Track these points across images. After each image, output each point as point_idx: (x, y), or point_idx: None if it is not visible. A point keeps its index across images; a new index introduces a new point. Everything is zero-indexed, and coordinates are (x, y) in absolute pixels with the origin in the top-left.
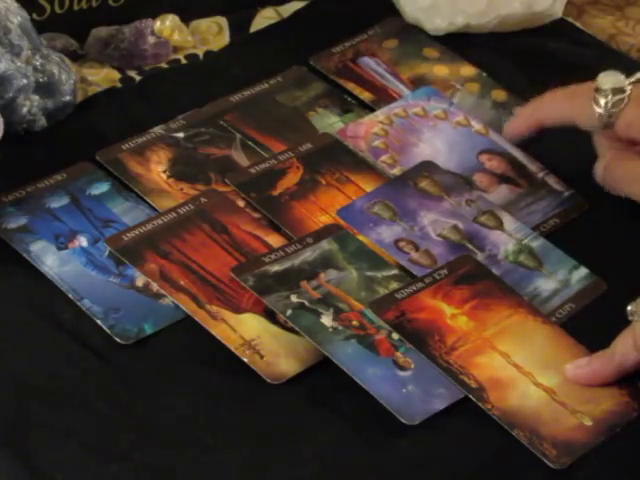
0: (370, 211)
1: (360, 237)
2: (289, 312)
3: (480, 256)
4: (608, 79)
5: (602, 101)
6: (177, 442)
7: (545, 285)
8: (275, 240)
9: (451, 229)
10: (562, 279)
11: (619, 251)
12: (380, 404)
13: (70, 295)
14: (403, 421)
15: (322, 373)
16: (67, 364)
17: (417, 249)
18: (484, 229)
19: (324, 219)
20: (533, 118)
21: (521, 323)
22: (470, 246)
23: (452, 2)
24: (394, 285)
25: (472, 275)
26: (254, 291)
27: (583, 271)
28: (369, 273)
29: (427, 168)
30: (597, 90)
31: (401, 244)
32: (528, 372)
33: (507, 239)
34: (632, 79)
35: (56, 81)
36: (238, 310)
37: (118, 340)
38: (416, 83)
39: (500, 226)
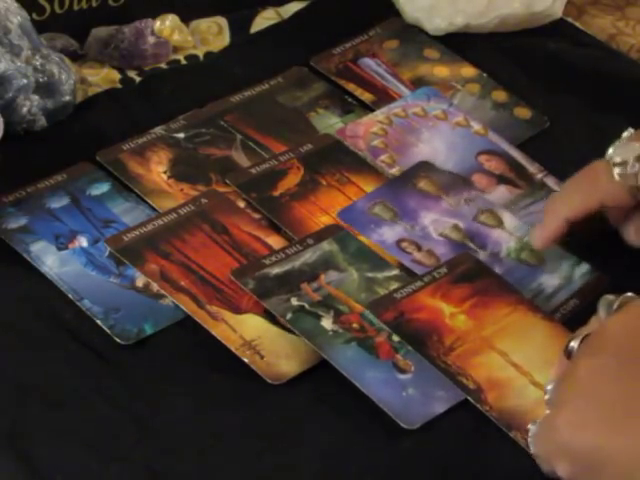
0: (371, 212)
1: (362, 238)
2: (289, 315)
3: (482, 254)
4: (623, 150)
5: (628, 170)
6: (177, 442)
7: (549, 281)
8: (275, 241)
9: (452, 228)
10: (565, 275)
11: (619, 248)
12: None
13: (70, 295)
14: (403, 425)
15: (322, 374)
16: (67, 364)
17: (420, 249)
18: (485, 228)
19: (324, 220)
20: (560, 219)
21: (520, 320)
22: (472, 245)
23: (452, 2)
24: (395, 286)
25: (471, 273)
26: (254, 294)
27: (585, 267)
28: (370, 274)
29: (424, 168)
30: (616, 164)
31: (403, 244)
32: (526, 371)
33: (508, 237)
34: None
35: (56, 81)
36: (238, 310)
37: (118, 340)
38: (416, 84)
39: (500, 225)
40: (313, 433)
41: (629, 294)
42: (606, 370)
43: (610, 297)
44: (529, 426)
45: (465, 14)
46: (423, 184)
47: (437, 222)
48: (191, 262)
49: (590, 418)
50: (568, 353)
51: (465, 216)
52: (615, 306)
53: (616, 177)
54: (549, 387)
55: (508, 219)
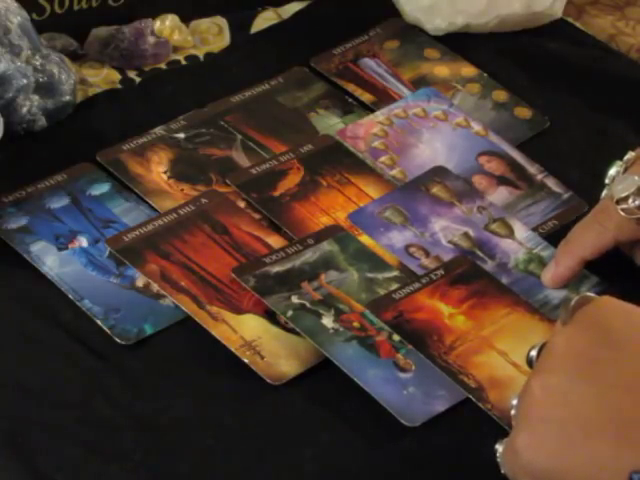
0: (381, 216)
1: (370, 241)
2: (290, 313)
3: (490, 264)
4: (624, 186)
5: (630, 204)
6: (177, 442)
7: (555, 293)
8: (276, 241)
9: (462, 236)
10: (572, 287)
11: (628, 260)
12: (380, 405)
13: (70, 295)
14: (404, 423)
15: (323, 374)
16: (67, 364)
17: (428, 255)
18: (495, 237)
19: (325, 220)
20: (576, 259)
21: (518, 321)
22: (480, 253)
23: (452, 2)
24: (395, 287)
25: (468, 275)
26: (255, 292)
27: (593, 279)
28: (370, 274)
29: (439, 174)
30: (619, 201)
31: (412, 249)
32: (526, 371)
33: (518, 248)
34: None
35: (56, 81)
36: (239, 311)
37: (118, 340)
38: (417, 84)
39: (511, 235)
40: (313, 433)
41: (587, 294)
42: (557, 390)
43: (571, 298)
44: (496, 446)
45: (465, 14)
46: (436, 190)
47: (447, 229)
48: (191, 262)
49: (545, 440)
50: (529, 362)
51: (476, 224)
52: (570, 309)
53: (621, 213)
54: (514, 402)
55: (519, 229)
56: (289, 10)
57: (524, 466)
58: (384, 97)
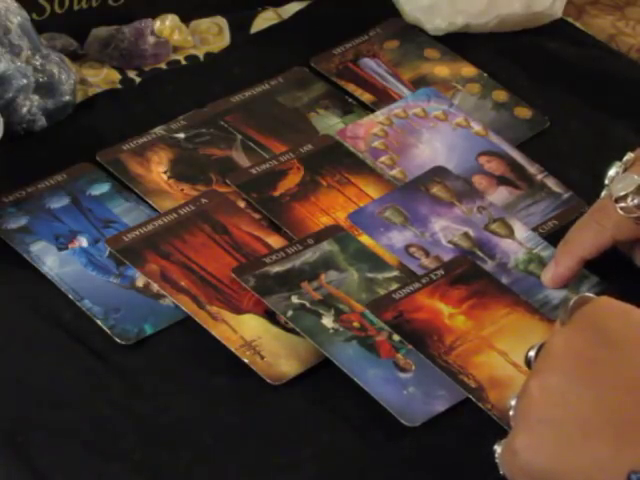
0: (381, 216)
1: (370, 241)
2: (290, 313)
3: (490, 264)
4: (623, 185)
5: (629, 203)
6: (177, 442)
7: (555, 293)
8: (276, 241)
9: (462, 236)
10: (572, 287)
11: (628, 260)
12: (380, 405)
13: (70, 295)
14: (404, 423)
15: (323, 374)
16: (67, 364)
17: (427, 255)
18: (495, 237)
19: (325, 220)
20: (575, 259)
21: (518, 321)
22: (480, 254)
23: (452, 2)
24: (395, 287)
25: (468, 275)
26: (255, 292)
27: (593, 279)
28: (370, 274)
29: (439, 174)
30: (618, 200)
31: (412, 250)
32: (526, 371)
33: (518, 248)
34: None
35: (56, 81)
36: (239, 311)
37: (118, 340)
38: (417, 84)
39: (511, 235)
40: (313, 433)
41: (586, 294)
42: (555, 390)
43: (570, 299)
44: (495, 447)
45: (465, 14)
46: (436, 190)
47: (447, 229)
48: (191, 262)
49: (544, 440)
50: (527, 363)
51: (476, 224)
52: (569, 310)
53: (619, 212)
54: (512, 403)
55: (519, 229)
56: (289, 10)
57: (522, 467)
58: (384, 97)
